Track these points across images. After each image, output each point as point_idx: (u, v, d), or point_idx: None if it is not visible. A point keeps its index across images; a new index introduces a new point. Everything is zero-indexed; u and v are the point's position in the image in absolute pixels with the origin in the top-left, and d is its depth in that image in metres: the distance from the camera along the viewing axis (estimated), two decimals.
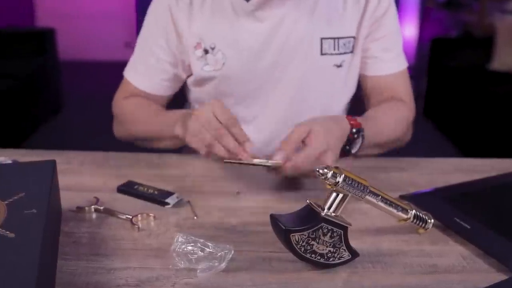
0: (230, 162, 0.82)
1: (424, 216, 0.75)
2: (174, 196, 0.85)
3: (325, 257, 0.67)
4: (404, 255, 0.71)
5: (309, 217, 0.66)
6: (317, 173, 0.65)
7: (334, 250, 0.67)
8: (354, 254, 0.68)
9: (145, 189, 0.87)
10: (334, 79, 1.08)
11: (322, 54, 1.04)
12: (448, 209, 0.82)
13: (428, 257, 0.71)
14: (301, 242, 0.65)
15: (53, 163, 0.75)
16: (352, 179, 0.66)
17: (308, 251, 0.66)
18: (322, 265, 0.67)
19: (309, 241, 0.65)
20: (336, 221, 0.66)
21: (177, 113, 0.98)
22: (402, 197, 0.86)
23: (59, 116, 3.74)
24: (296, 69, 1.05)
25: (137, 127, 1.08)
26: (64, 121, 3.67)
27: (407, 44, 4.39)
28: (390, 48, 1.10)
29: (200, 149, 0.86)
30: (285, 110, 1.09)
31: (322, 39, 1.04)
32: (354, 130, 0.91)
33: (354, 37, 1.06)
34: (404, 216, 0.74)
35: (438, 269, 0.68)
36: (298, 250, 0.65)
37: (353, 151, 0.93)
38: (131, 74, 1.11)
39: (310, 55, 1.04)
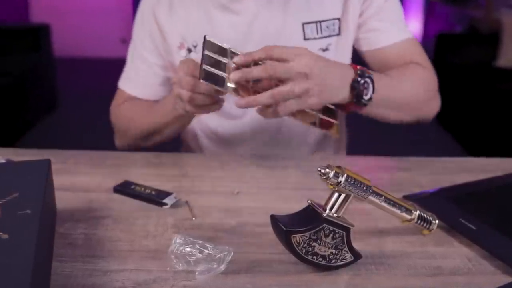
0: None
1: (428, 217, 0.75)
2: (172, 196, 0.85)
3: (327, 259, 0.67)
4: (408, 257, 0.71)
5: (311, 218, 0.66)
6: (319, 172, 0.65)
7: (336, 252, 0.67)
8: (356, 256, 0.68)
9: (142, 189, 0.87)
10: None
11: (305, 39, 1.04)
12: (453, 209, 0.82)
13: (433, 258, 0.71)
14: (302, 243, 0.65)
15: (47, 163, 0.75)
16: (355, 179, 0.66)
17: (309, 253, 0.66)
18: (324, 267, 0.67)
19: (311, 243, 0.65)
20: (338, 222, 0.66)
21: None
22: (406, 198, 0.86)
23: (54, 114, 3.74)
24: None
25: (136, 125, 1.08)
26: (59, 119, 3.67)
27: None
28: (390, 19, 1.07)
29: (183, 95, 0.87)
30: None
31: (303, 24, 1.04)
32: (359, 72, 0.88)
33: (338, 19, 1.06)
34: (408, 217, 0.74)
35: (442, 271, 0.68)
36: (299, 252, 0.65)
37: (366, 97, 0.89)
38: (124, 83, 1.14)
39: (293, 42, 1.04)
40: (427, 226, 0.75)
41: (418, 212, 0.74)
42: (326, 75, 0.83)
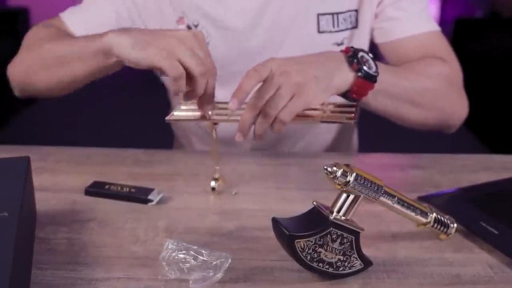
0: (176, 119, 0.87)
1: (446, 220, 0.75)
2: (155, 192, 0.85)
3: (334, 266, 0.67)
4: (423, 264, 0.71)
5: (316, 221, 0.66)
6: (325, 171, 0.65)
7: (344, 259, 0.67)
8: (367, 263, 0.68)
9: (119, 188, 0.86)
10: None
11: (319, 32, 1.04)
12: (473, 212, 0.82)
13: (451, 266, 0.71)
14: (307, 249, 0.65)
15: (26, 160, 0.75)
16: (365, 178, 0.66)
17: (315, 260, 0.66)
18: (331, 275, 0.67)
19: (316, 248, 0.65)
20: (347, 225, 0.66)
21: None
22: (421, 199, 0.86)
23: (33, 107, 3.74)
24: (290, 50, 1.04)
25: (45, 50, 0.94)
26: (39, 112, 3.67)
27: None
28: (410, 8, 1.05)
29: (162, 63, 0.76)
30: None
31: (318, 15, 1.03)
32: (351, 48, 0.87)
33: (356, 10, 1.05)
34: (424, 220, 0.74)
35: (461, 279, 0.68)
36: (304, 258, 0.65)
37: (371, 70, 0.86)
38: (68, 13, 1.07)
39: (306, 34, 1.03)
40: (445, 230, 0.75)
41: (434, 214, 0.74)
42: (310, 62, 0.84)
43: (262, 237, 0.76)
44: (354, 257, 0.67)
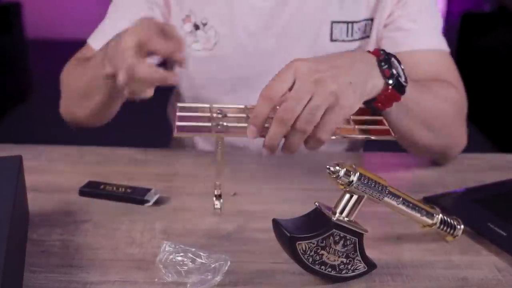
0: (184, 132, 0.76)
1: (452, 222, 0.75)
2: (152, 192, 0.85)
3: (337, 269, 0.67)
4: (429, 267, 0.71)
5: (318, 222, 0.66)
6: (328, 171, 0.65)
7: (348, 261, 0.67)
8: (370, 265, 0.68)
9: (114, 188, 0.86)
10: None
11: (332, 40, 1.03)
12: (481, 213, 0.82)
13: (457, 269, 0.71)
14: (309, 251, 0.65)
15: (19, 159, 0.75)
16: (369, 178, 0.66)
17: (317, 262, 0.66)
18: (334, 278, 0.67)
19: (318, 251, 0.65)
20: (350, 227, 0.66)
21: (102, 49, 0.88)
22: (426, 199, 0.86)
23: (26, 104, 3.73)
24: (301, 56, 1.03)
25: (70, 83, 1.00)
26: (33, 109, 3.66)
27: None
28: (424, 23, 1.03)
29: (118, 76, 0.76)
30: None
31: (333, 22, 1.03)
32: (382, 52, 0.79)
33: (371, 19, 1.04)
34: (429, 221, 0.74)
35: (468, 283, 0.68)
36: (306, 261, 0.65)
37: (402, 80, 0.78)
38: (95, 38, 1.06)
39: (318, 41, 1.03)
40: (451, 231, 0.75)
41: (440, 216, 0.74)
42: (343, 65, 0.73)
43: (262, 239, 0.76)
44: (357, 259, 0.67)
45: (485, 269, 0.71)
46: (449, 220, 0.75)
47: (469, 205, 0.84)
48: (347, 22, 1.03)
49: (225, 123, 0.75)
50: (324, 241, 0.65)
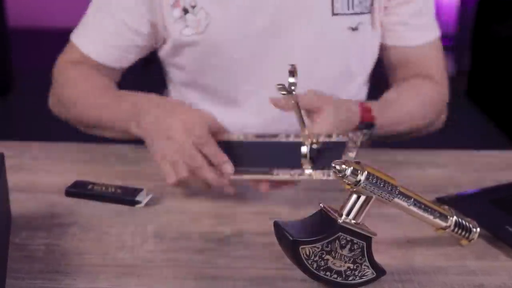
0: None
1: (467, 224, 0.75)
2: (143, 192, 0.85)
3: (343, 276, 0.67)
4: (443, 273, 0.71)
5: (323, 225, 0.66)
6: (334, 169, 0.65)
7: (355, 267, 0.67)
8: (379, 271, 0.68)
9: (103, 188, 0.86)
10: (349, 47, 1.07)
11: (334, 14, 1.04)
12: (498, 215, 0.82)
13: (473, 275, 0.71)
14: (313, 256, 0.65)
15: (0, 157, 0.75)
16: (377, 177, 0.66)
17: (322, 268, 0.66)
18: (340, 285, 0.67)
19: (323, 256, 0.65)
20: (357, 230, 0.66)
21: (131, 101, 0.98)
22: (440, 200, 0.86)
23: (8, 98, 3.73)
24: (300, 34, 1.04)
25: (83, 111, 1.06)
26: (14, 104, 3.66)
27: (446, 9, 4.38)
28: (422, 12, 1.10)
29: (170, 175, 0.86)
30: None
31: None
32: (360, 126, 0.94)
33: None
34: (443, 223, 0.74)
35: None
36: (310, 267, 0.65)
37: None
38: (79, 36, 1.09)
39: (319, 16, 1.03)
40: (466, 235, 0.75)
41: (455, 218, 0.74)
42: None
43: (263, 243, 0.76)
44: (365, 265, 0.67)
45: (504, 275, 0.71)
46: (463, 222, 0.75)
47: (486, 206, 0.84)
48: None
49: None
50: (330, 245, 0.65)
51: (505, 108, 3.37)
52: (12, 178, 0.82)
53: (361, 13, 1.05)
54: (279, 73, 1.06)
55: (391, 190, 0.67)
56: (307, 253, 0.65)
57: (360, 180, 0.65)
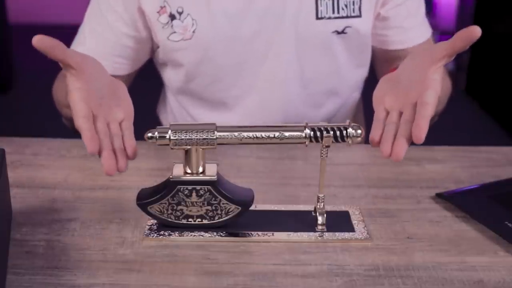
0: None
1: (336, 126, 0.72)
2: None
3: (207, 217, 0.74)
4: (442, 269, 0.71)
5: (163, 184, 0.75)
6: (147, 140, 0.71)
7: (214, 208, 0.73)
8: (243, 204, 0.74)
9: None
10: (336, 49, 1.07)
11: (318, 18, 1.04)
12: (498, 210, 0.82)
13: (473, 271, 0.71)
14: (165, 211, 0.74)
15: (1, 153, 0.75)
16: (187, 128, 0.71)
17: (181, 217, 0.74)
18: (209, 226, 0.74)
19: (175, 207, 0.74)
20: (192, 179, 0.72)
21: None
22: (439, 196, 0.86)
23: (9, 94, 3.73)
24: (286, 39, 1.04)
25: (57, 94, 1.08)
26: (15, 100, 3.66)
27: (445, 5, 4.37)
28: (414, 13, 1.10)
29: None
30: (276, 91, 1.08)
31: None
32: None
33: None
34: (300, 134, 0.71)
35: (485, 286, 0.68)
36: (168, 219, 0.74)
37: None
38: (79, 47, 1.07)
39: (303, 20, 1.03)
40: (341, 138, 0.72)
41: (309, 126, 0.72)
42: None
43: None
44: (223, 203, 0.73)
45: (503, 271, 0.71)
46: (327, 127, 0.72)
47: (485, 202, 0.84)
48: None
49: None
50: (175, 198, 0.73)
51: (504, 104, 3.37)
52: (13, 174, 0.82)
53: (348, 16, 1.05)
54: (266, 78, 1.07)
55: (204, 130, 0.71)
56: (159, 210, 0.74)
57: (169, 137, 0.70)
